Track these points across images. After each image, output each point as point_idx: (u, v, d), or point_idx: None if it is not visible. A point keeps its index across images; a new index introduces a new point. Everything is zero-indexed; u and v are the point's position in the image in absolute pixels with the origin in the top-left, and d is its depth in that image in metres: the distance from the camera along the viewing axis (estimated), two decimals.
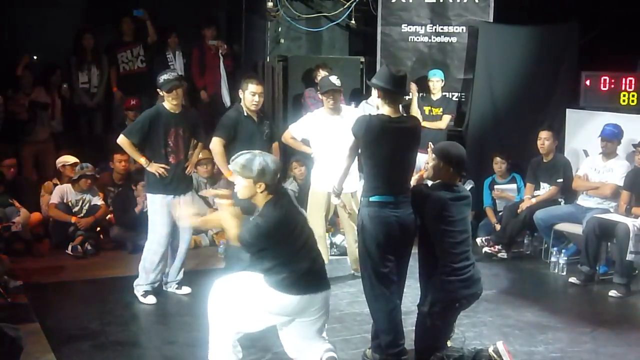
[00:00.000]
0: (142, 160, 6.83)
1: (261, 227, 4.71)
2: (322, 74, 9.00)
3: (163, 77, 6.79)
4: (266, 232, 4.71)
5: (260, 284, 4.84)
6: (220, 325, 4.97)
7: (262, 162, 4.75)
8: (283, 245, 4.77)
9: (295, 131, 7.64)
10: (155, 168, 6.79)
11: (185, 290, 7.10)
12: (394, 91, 5.24)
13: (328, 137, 7.31)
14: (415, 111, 9.11)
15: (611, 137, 8.04)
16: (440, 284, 5.17)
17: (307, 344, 4.95)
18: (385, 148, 5.17)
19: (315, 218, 7.25)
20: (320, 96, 7.60)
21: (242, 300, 4.88)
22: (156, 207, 6.86)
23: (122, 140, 6.82)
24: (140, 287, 6.88)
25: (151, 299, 6.83)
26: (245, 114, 7.05)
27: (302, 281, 4.79)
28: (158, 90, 6.84)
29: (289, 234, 4.78)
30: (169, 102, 6.82)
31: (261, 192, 4.79)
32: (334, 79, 7.52)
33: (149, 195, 6.96)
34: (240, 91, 7.09)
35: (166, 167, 6.81)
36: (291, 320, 4.93)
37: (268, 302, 4.82)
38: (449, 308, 5.24)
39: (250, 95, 6.98)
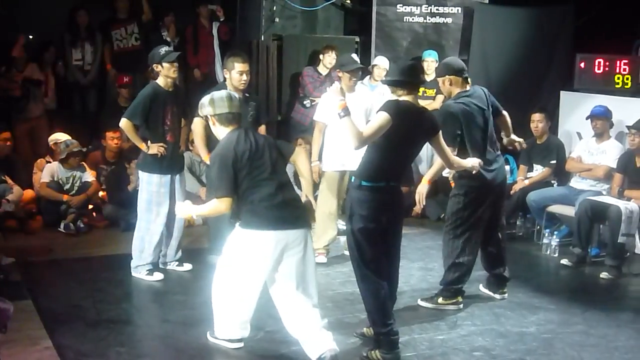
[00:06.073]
0: (144, 147, 6.70)
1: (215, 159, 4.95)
2: (332, 55, 9.27)
3: (163, 49, 6.74)
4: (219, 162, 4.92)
5: (239, 235, 4.96)
6: (221, 298, 5.08)
7: (208, 97, 5.09)
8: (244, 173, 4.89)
9: (322, 117, 7.28)
10: (156, 148, 6.67)
11: (187, 266, 7.03)
12: (410, 81, 5.20)
13: None
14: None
15: (599, 114, 8.02)
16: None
17: (300, 302, 4.94)
18: (401, 134, 5.04)
19: (327, 197, 7.30)
20: (340, 74, 7.24)
21: (232, 261, 4.99)
22: (153, 187, 6.73)
23: (125, 124, 6.67)
24: (141, 267, 6.78)
25: (158, 275, 6.78)
26: None
27: (272, 214, 4.86)
28: (156, 65, 6.67)
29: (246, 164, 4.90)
30: (168, 76, 6.68)
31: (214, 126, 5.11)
32: (355, 57, 7.50)
33: (145, 175, 6.76)
34: (225, 71, 6.97)
35: (165, 145, 6.72)
36: (275, 269, 4.94)
37: (249, 247, 4.89)
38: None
39: (238, 75, 6.85)
